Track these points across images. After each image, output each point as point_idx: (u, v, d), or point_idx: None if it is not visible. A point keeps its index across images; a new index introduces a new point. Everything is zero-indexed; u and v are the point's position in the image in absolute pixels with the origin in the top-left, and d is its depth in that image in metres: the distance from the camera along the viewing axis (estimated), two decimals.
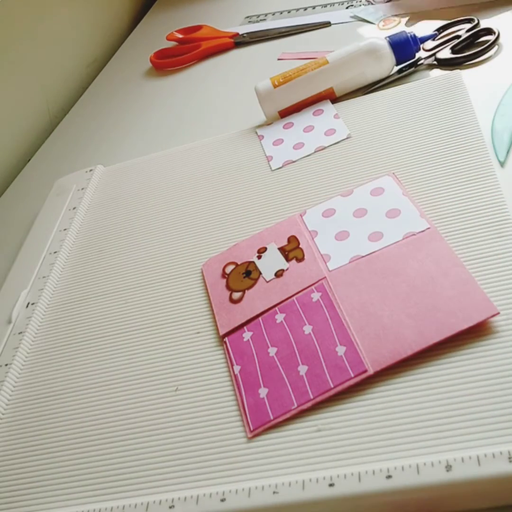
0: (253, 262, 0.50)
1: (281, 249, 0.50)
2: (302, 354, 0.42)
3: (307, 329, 0.43)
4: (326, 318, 0.43)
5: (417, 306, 0.41)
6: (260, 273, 0.49)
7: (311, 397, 0.39)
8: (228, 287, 0.49)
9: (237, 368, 0.43)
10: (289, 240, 0.50)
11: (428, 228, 0.46)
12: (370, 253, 0.46)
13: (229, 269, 0.50)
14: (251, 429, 0.40)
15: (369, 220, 0.49)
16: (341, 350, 0.41)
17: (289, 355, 0.42)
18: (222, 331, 0.46)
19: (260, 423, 0.40)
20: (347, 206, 0.51)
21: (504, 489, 0.33)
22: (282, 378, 0.41)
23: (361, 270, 0.45)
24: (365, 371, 0.39)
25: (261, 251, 0.50)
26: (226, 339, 0.46)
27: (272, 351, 0.43)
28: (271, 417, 0.40)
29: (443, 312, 0.40)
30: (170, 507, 0.37)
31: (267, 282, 0.48)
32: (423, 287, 0.42)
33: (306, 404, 0.39)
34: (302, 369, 0.41)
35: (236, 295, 0.48)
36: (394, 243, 0.46)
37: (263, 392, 0.41)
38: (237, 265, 0.50)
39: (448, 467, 0.33)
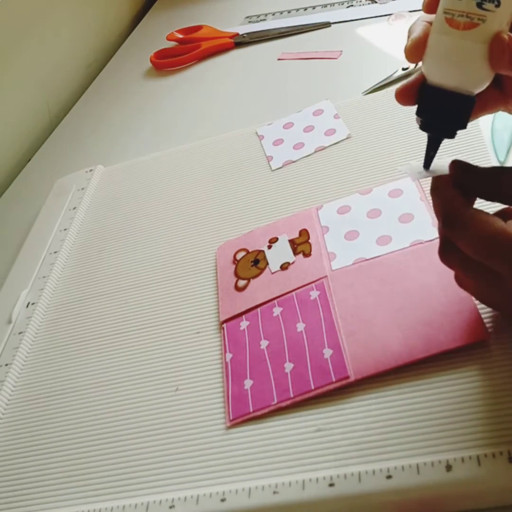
0: (263, 251, 0.50)
1: (291, 242, 0.50)
2: (290, 351, 0.42)
3: (300, 326, 0.43)
4: (319, 318, 0.43)
5: (408, 318, 0.40)
6: (267, 263, 0.49)
7: (292, 395, 0.40)
8: (236, 273, 0.49)
9: (229, 356, 0.44)
10: (300, 233, 0.50)
11: (437, 237, 0.45)
12: (374, 257, 0.46)
13: (240, 255, 0.51)
14: (231, 418, 0.40)
15: (381, 222, 0.48)
16: (328, 352, 0.41)
17: (278, 350, 0.43)
18: (222, 317, 0.47)
19: (240, 414, 0.40)
20: (363, 204, 0.51)
21: (504, 489, 0.33)
22: (268, 372, 0.42)
23: (362, 273, 0.45)
24: (347, 377, 0.39)
25: (273, 241, 0.51)
26: (224, 325, 0.46)
27: (264, 344, 0.43)
28: (251, 410, 0.40)
29: (433, 328, 0.39)
30: (170, 507, 0.37)
31: (272, 273, 0.48)
32: (419, 300, 0.41)
33: (285, 402, 0.40)
34: (288, 367, 0.41)
35: (241, 283, 0.48)
36: (400, 249, 0.45)
37: (248, 383, 0.41)
38: (248, 252, 0.51)
39: (448, 467, 0.33)
